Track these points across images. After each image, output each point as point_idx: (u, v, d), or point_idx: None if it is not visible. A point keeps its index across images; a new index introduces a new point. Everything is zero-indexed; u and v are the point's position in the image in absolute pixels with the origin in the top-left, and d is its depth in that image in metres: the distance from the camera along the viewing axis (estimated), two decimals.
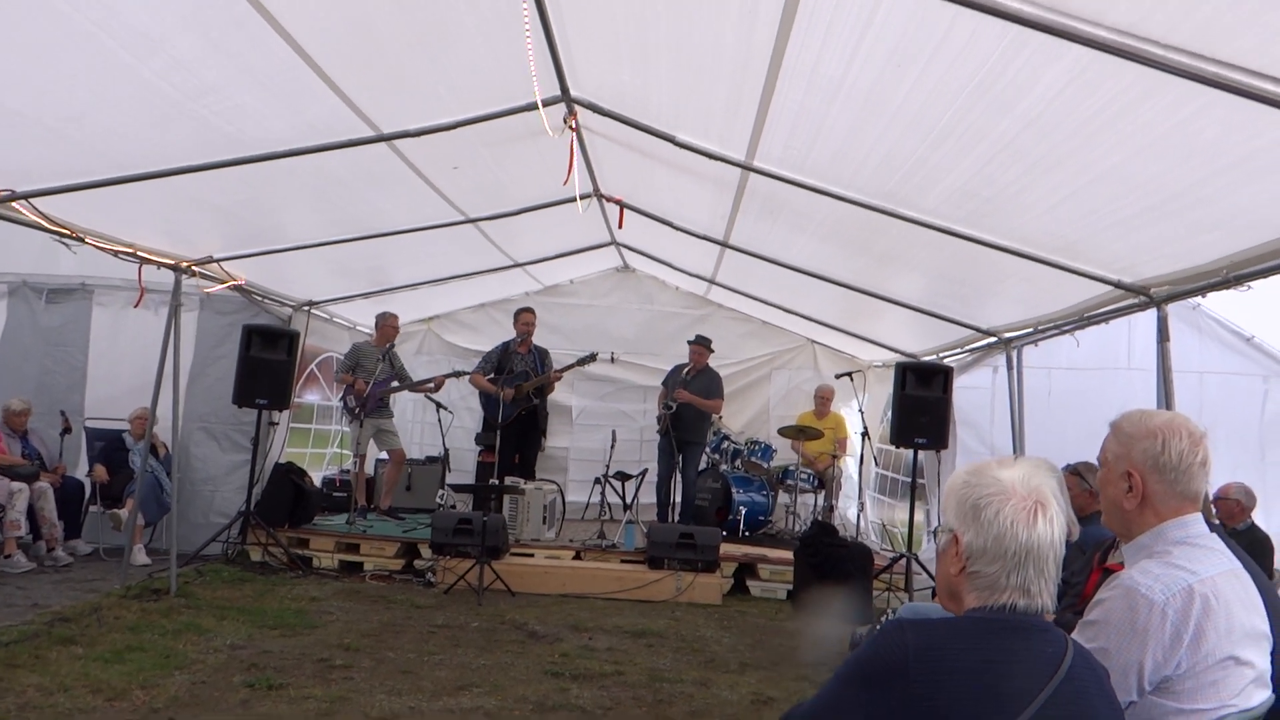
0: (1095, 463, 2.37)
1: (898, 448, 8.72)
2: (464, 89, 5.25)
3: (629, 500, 9.30)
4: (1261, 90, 2.86)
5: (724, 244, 8.06)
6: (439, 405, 9.38)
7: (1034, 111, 3.73)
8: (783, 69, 4.21)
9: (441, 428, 9.34)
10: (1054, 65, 3.30)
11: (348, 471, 10.01)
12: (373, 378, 9.11)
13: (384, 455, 9.81)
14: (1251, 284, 4.37)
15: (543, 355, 9.63)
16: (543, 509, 8.77)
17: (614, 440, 9.53)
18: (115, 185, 5.32)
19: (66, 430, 8.27)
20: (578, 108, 5.72)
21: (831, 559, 7.57)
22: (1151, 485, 2.12)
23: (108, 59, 4.03)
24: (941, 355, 8.76)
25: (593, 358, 9.41)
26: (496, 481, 8.49)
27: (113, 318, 8.79)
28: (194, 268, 7.13)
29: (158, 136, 4.97)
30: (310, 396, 10.96)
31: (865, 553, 7.78)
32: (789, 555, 8.19)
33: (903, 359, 9.05)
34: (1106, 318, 5.85)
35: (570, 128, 5.87)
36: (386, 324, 9.47)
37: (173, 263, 6.92)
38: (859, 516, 10.02)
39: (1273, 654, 2.07)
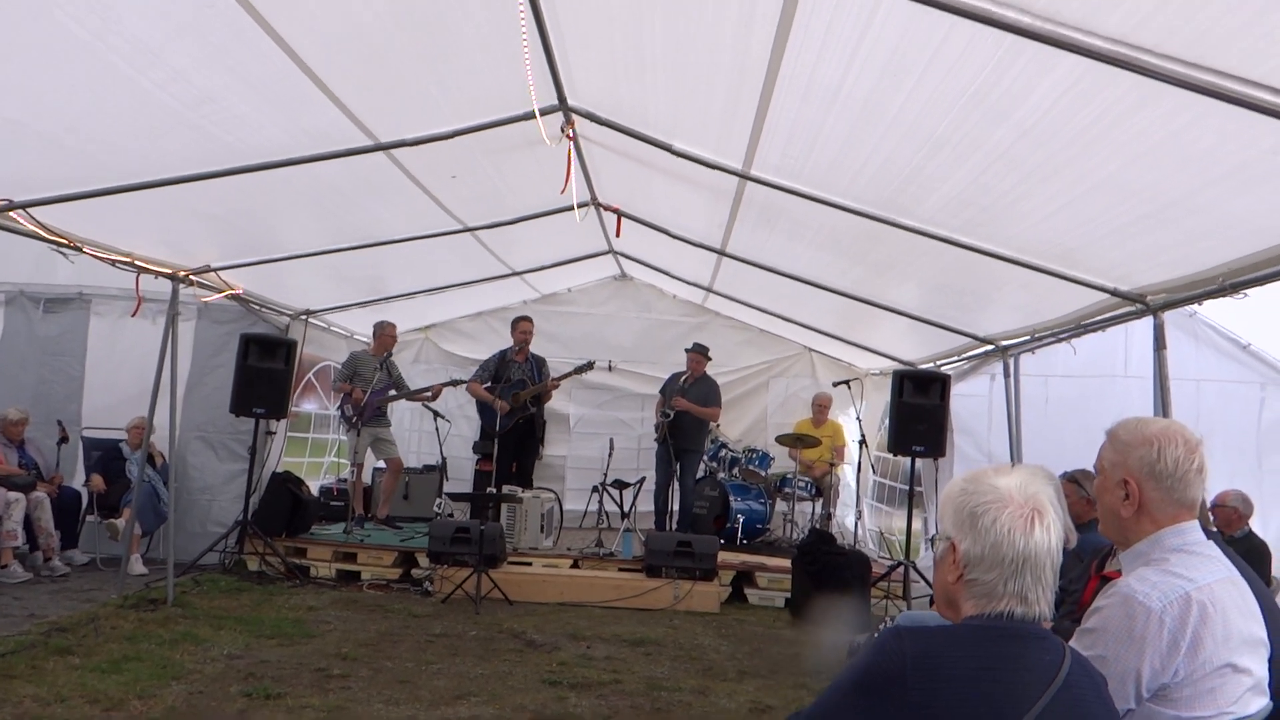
0: (1092, 470, 2.37)
1: (895, 455, 8.71)
2: (462, 98, 5.26)
3: (627, 508, 9.29)
4: (1255, 99, 2.87)
5: (721, 252, 8.07)
6: (436, 414, 9.38)
7: (1030, 120, 3.74)
8: (779, 78, 4.22)
9: (439, 436, 9.34)
10: (1049, 74, 3.32)
11: (345, 480, 10.00)
12: (370, 386, 9.10)
13: (381, 464, 9.80)
14: (1247, 292, 4.38)
15: (540, 363, 9.63)
16: (540, 517, 8.77)
17: (611, 448, 9.53)
18: (113, 195, 5.32)
19: (63, 440, 8.26)
20: (575, 117, 5.73)
21: (829, 567, 7.57)
22: (1148, 493, 2.13)
23: (106, 68, 4.04)
24: (939, 363, 8.77)
25: (590, 366, 9.42)
26: (494, 490, 8.48)
27: (110, 327, 8.78)
28: (191, 277, 7.13)
29: (155, 146, 4.98)
30: (308, 405, 10.96)
31: (863, 561, 7.78)
32: (787, 563, 8.20)
33: (900, 367, 9.07)
34: (1103, 325, 5.86)
35: (568, 137, 5.88)
36: (384, 333, 9.46)
37: (170, 272, 6.92)
38: (856, 524, 10.03)
39: (1270, 661, 2.07)
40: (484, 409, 9.47)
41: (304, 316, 9.20)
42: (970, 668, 1.60)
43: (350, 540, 8.53)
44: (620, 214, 7.85)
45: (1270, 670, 2.06)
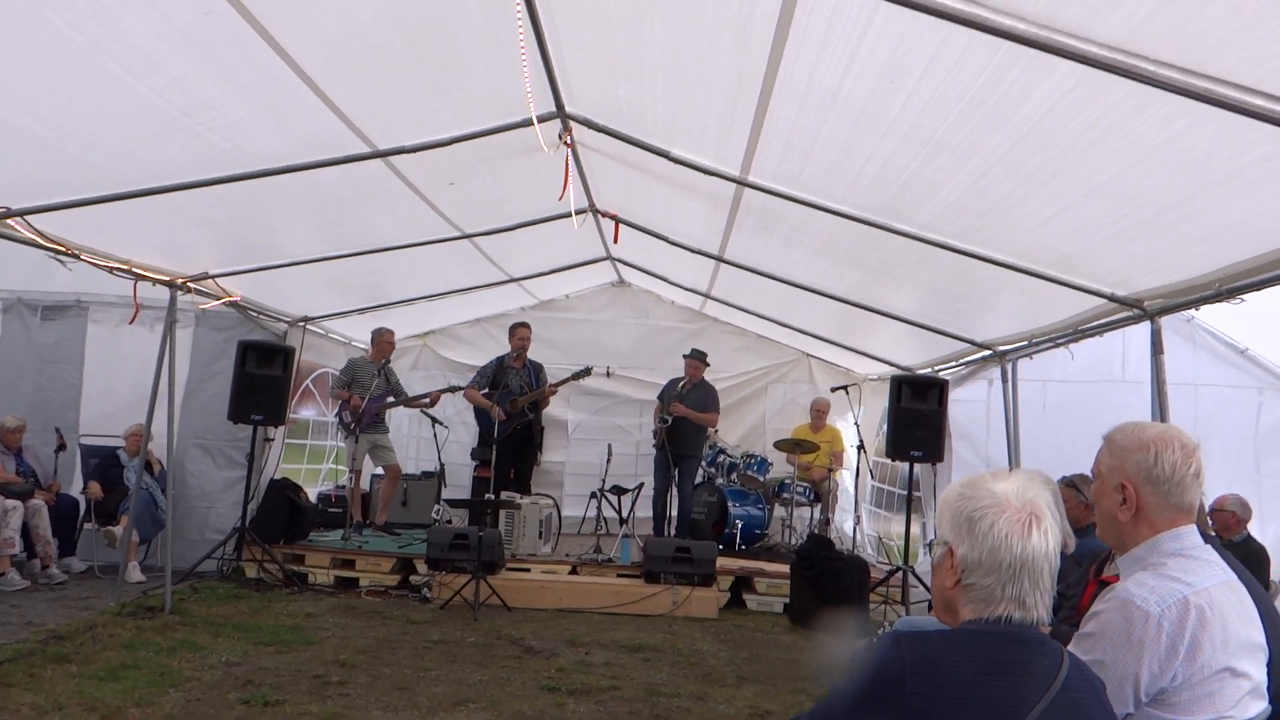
0: (1090, 475, 2.37)
1: (893, 461, 8.72)
2: (460, 105, 5.27)
3: (625, 514, 9.28)
4: (1251, 105, 2.88)
5: (719, 258, 8.08)
6: (434, 420, 9.37)
7: (1027, 126, 3.75)
8: (777, 84, 4.23)
9: (437, 443, 9.33)
10: (1046, 80, 3.33)
11: (343, 487, 9.99)
12: (368, 393, 9.10)
13: (380, 471, 9.79)
14: (1244, 297, 4.39)
15: (537, 370, 9.63)
16: (539, 523, 8.76)
17: (610, 454, 9.53)
18: (111, 202, 5.33)
19: (61, 447, 8.25)
20: (573, 124, 5.75)
21: (828, 572, 7.57)
22: (1145, 497, 2.13)
23: (104, 75, 4.05)
24: (937, 368, 8.78)
25: (587, 372, 9.42)
26: (492, 496, 8.47)
27: (108, 334, 8.79)
28: (189, 284, 7.13)
29: (153, 153, 4.99)
30: (306, 412, 10.95)
31: (862, 566, 7.79)
32: (785, 569, 8.19)
33: (898, 372, 9.07)
34: (1101, 330, 5.87)
35: (565, 143, 5.90)
36: (383, 339, 9.47)
37: (168, 279, 6.93)
38: (855, 529, 10.03)
39: (1269, 665, 2.07)
40: (482, 415, 9.46)
41: (302, 323, 9.20)
42: (968, 672, 1.61)
43: (348, 547, 8.52)
44: (618, 220, 7.87)
45: (1269, 674, 2.06)
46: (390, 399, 9.43)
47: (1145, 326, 5.26)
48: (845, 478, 10.83)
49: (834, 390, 10.19)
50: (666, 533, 9.29)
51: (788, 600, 8.03)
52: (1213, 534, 3.85)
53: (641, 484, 9.61)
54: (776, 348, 11.45)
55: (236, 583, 7.81)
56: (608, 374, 10.16)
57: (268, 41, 4.05)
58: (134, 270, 6.55)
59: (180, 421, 7.95)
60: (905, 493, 8.34)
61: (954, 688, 1.58)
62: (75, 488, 8.43)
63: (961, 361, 8.32)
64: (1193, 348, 8.61)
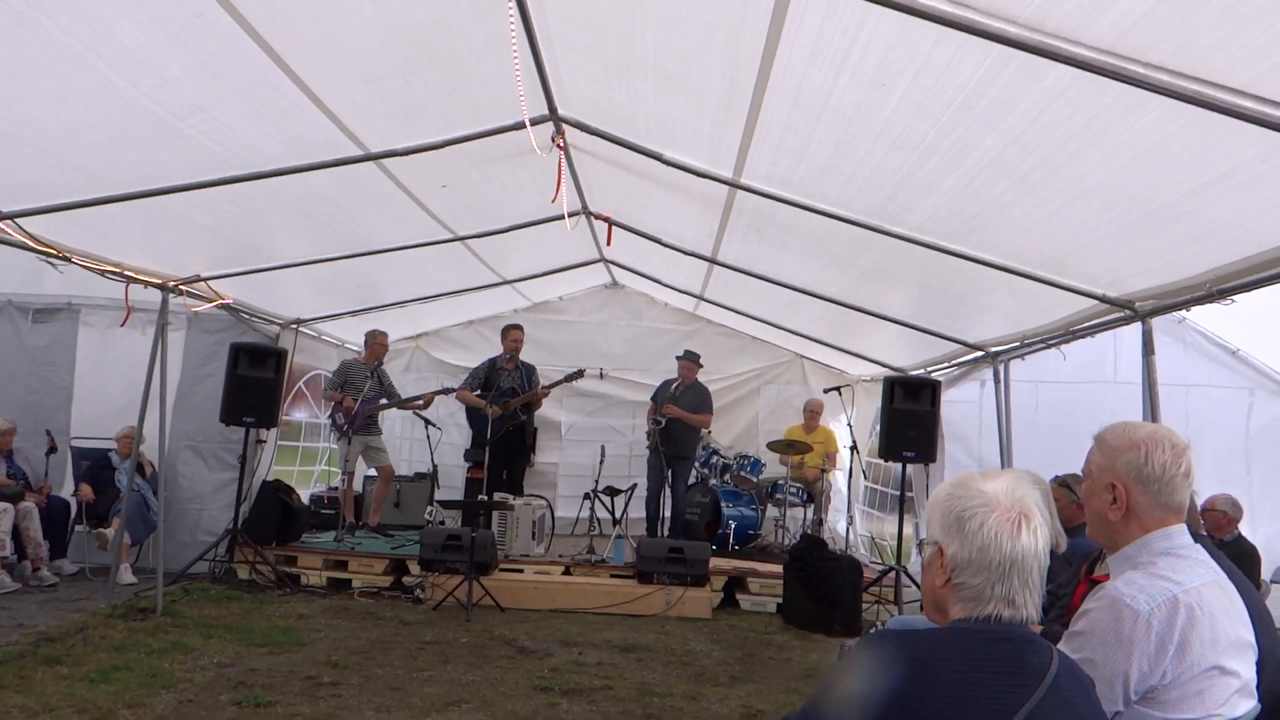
0: (1082, 475, 2.39)
1: (886, 461, 8.74)
2: (452, 108, 5.27)
3: (618, 515, 9.29)
4: (1241, 108, 2.90)
5: (712, 260, 8.09)
6: (427, 422, 9.37)
7: (1018, 129, 3.77)
8: (769, 87, 4.24)
9: (430, 444, 9.33)
10: (1037, 84, 3.34)
11: (336, 489, 9.98)
12: (361, 395, 9.09)
13: (373, 472, 9.78)
14: (1234, 298, 4.42)
15: (530, 371, 9.63)
16: (532, 524, 8.76)
17: (603, 455, 9.53)
18: (102, 205, 5.33)
19: (52, 450, 8.23)
20: (565, 126, 5.75)
21: (821, 572, 7.59)
22: (1135, 497, 2.15)
23: (95, 78, 4.04)
24: (929, 369, 8.80)
25: (580, 374, 9.42)
26: (485, 497, 8.47)
27: (99, 337, 8.76)
28: (181, 286, 7.12)
29: (145, 156, 4.98)
30: (298, 414, 10.93)
31: (855, 566, 7.80)
32: (778, 569, 8.20)
33: (891, 373, 9.09)
34: (1092, 331, 5.89)
35: (558, 146, 5.90)
36: (376, 342, 9.46)
37: (160, 282, 6.91)
38: (848, 530, 10.04)
39: (1258, 664, 2.09)
40: (475, 417, 9.46)
41: (294, 325, 9.19)
42: (958, 670, 1.61)
43: (341, 548, 8.51)
44: (611, 223, 7.87)
45: (1258, 673, 2.07)
46: (383, 401, 9.41)
47: (1136, 327, 5.28)
48: (838, 478, 10.85)
49: (827, 391, 10.20)
50: (660, 533, 9.29)
51: (781, 600, 8.03)
52: (1204, 533, 3.87)
53: (634, 485, 9.62)
54: (770, 349, 11.46)
55: (228, 584, 7.80)
56: (601, 376, 10.16)
57: (259, 44, 4.04)
58: (125, 273, 6.53)
59: (172, 424, 7.95)
60: (898, 493, 8.35)
61: (943, 686, 1.59)
62: (66, 490, 8.40)
63: (954, 362, 8.34)
64: (1184, 349, 8.65)
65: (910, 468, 8.35)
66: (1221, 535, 6.47)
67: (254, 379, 8.05)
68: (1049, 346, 6.57)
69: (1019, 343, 6.90)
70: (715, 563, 8.37)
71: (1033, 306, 6.00)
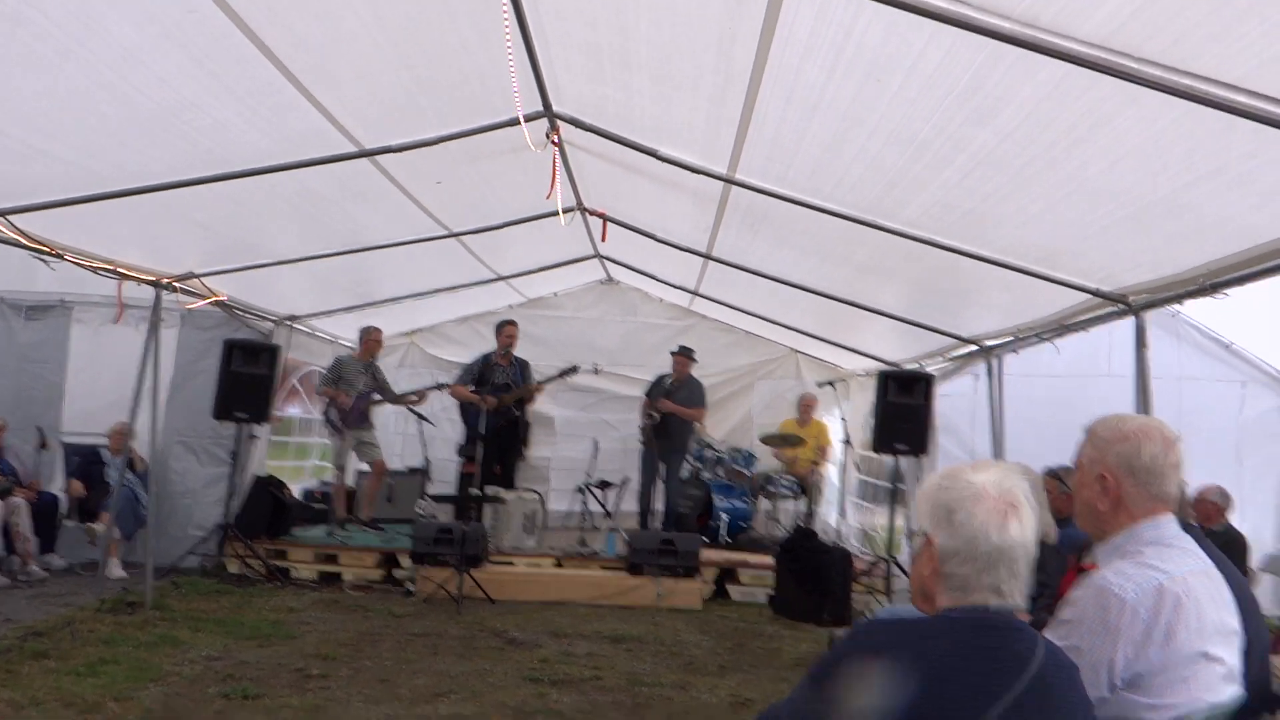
0: (1073, 466, 2.39)
1: (879, 454, 8.75)
2: (446, 104, 5.25)
3: (610, 508, 9.30)
4: (1233, 102, 2.90)
5: (707, 256, 8.08)
6: (420, 416, 9.35)
7: (1012, 124, 3.76)
8: (764, 82, 4.23)
9: (423, 439, 9.31)
10: (1031, 78, 3.34)
11: (328, 484, 9.96)
12: (355, 391, 9.07)
13: (365, 467, 9.76)
14: (1227, 292, 4.42)
15: (523, 367, 9.62)
16: (524, 518, 8.76)
17: (596, 449, 9.53)
18: (95, 202, 5.29)
19: (43, 446, 8.21)
20: (560, 122, 5.74)
21: (811, 563, 7.62)
22: (1125, 487, 2.16)
23: (88, 74, 4.02)
24: (923, 363, 8.80)
25: (574, 370, 9.42)
26: (478, 491, 8.46)
27: (92, 334, 8.73)
28: (174, 284, 7.10)
29: (138, 152, 4.96)
30: (292, 410, 10.91)
31: (845, 557, 7.82)
32: (769, 560, 8.22)
33: (885, 367, 9.09)
34: (1086, 325, 5.90)
35: (553, 142, 5.88)
36: (370, 338, 9.43)
37: (153, 279, 6.89)
38: (839, 522, 10.05)
39: (1244, 651, 2.10)
40: (467, 412, 9.44)
41: (288, 322, 9.16)
42: (944, 658, 1.63)
43: (332, 542, 8.50)
44: (606, 219, 7.86)
45: (1244, 659, 2.09)
46: (377, 397, 9.40)
47: (1130, 321, 5.28)
48: (830, 471, 10.87)
49: (821, 385, 10.22)
50: (651, 526, 9.29)
51: (771, 591, 8.05)
52: (1194, 523, 3.88)
53: (627, 479, 9.62)
54: (764, 344, 11.47)
55: (218, 578, 7.79)
56: (595, 371, 10.16)
57: (252, 41, 4.02)
58: (118, 270, 6.51)
59: (164, 420, 7.92)
60: (889, 485, 8.37)
61: (930, 674, 1.60)
62: (57, 485, 8.38)
63: (948, 357, 8.35)
64: (1177, 342, 8.68)
65: (903, 460, 8.36)
66: (1211, 525, 6.51)
67: (247, 375, 8.02)
68: (1043, 340, 6.58)
69: (1013, 336, 6.91)
70: (706, 554, 8.39)
71: (1026, 301, 6.01)
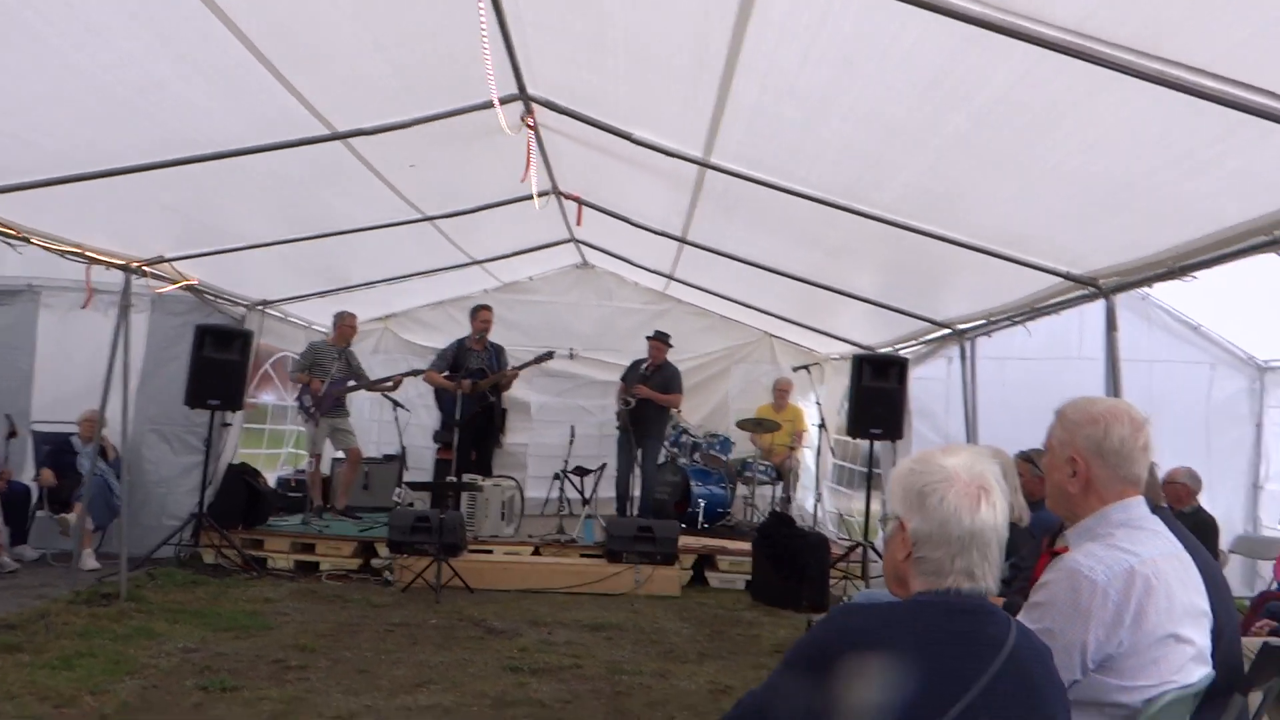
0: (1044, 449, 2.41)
1: (854, 439, 8.80)
2: (420, 87, 5.21)
3: (588, 495, 9.30)
4: (1202, 87, 2.92)
5: (682, 240, 8.08)
6: (396, 403, 9.31)
7: (985, 108, 3.78)
8: (738, 66, 4.22)
9: (399, 426, 9.27)
10: (1003, 63, 3.36)
11: (303, 471, 9.90)
12: (329, 377, 9.02)
13: (340, 454, 9.71)
14: (1196, 275, 4.47)
15: (498, 352, 9.59)
16: (501, 505, 8.76)
17: (573, 435, 9.53)
18: (61, 184, 5.21)
19: (12, 434, 8.09)
20: (535, 105, 5.71)
21: (789, 549, 7.65)
22: (1095, 470, 2.18)
23: (53, 53, 3.95)
24: (897, 347, 8.86)
25: (550, 355, 9.40)
26: (454, 479, 8.45)
27: (60, 319, 8.61)
28: (144, 268, 7.01)
29: (106, 134, 4.89)
30: (265, 397, 10.82)
31: (822, 542, 7.87)
32: (747, 546, 8.26)
33: (859, 351, 9.14)
34: (1057, 308, 5.96)
35: (528, 125, 5.85)
36: (344, 324, 9.37)
37: (122, 263, 6.80)
38: (816, 507, 10.11)
39: (1213, 632, 2.13)
40: (443, 398, 9.41)
41: (260, 307, 9.08)
42: (918, 642, 1.64)
43: (309, 531, 8.46)
44: (581, 202, 7.84)
45: (1213, 640, 2.12)
46: (351, 383, 9.34)
47: (1100, 304, 5.33)
48: (807, 456, 10.92)
49: (796, 370, 10.25)
50: (629, 513, 9.31)
51: (749, 577, 8.09)
52: (1164, 505, 3.93)
53: (604, 464, 9.63)
54: (739, 328, 11.49)
55: (194, 569, 7.73)
56: (571, 356, 10.15)
57: (222, 20, 3.97)
58: (87, 254, 6.42)
59: (136, 407, 7.84)
60: (866, 470, 8.42)
61: (904, 658, 1.61)
62: (27, 475, 8.26)
63: (922, 340, 8.40)
64: (1148, 324, 8.77)
65: (878, 445, 8.42)
66: (1181, 507, 6.57)
67: (219, 361, 7.95)
68: (1015, 323, 6.64)
69: (985, 320, 6.96)
70: (685, 541, 8.41)
71: (999, 284, 6.05)
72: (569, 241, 10.07)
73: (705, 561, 8.48)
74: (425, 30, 4.52)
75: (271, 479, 9.84)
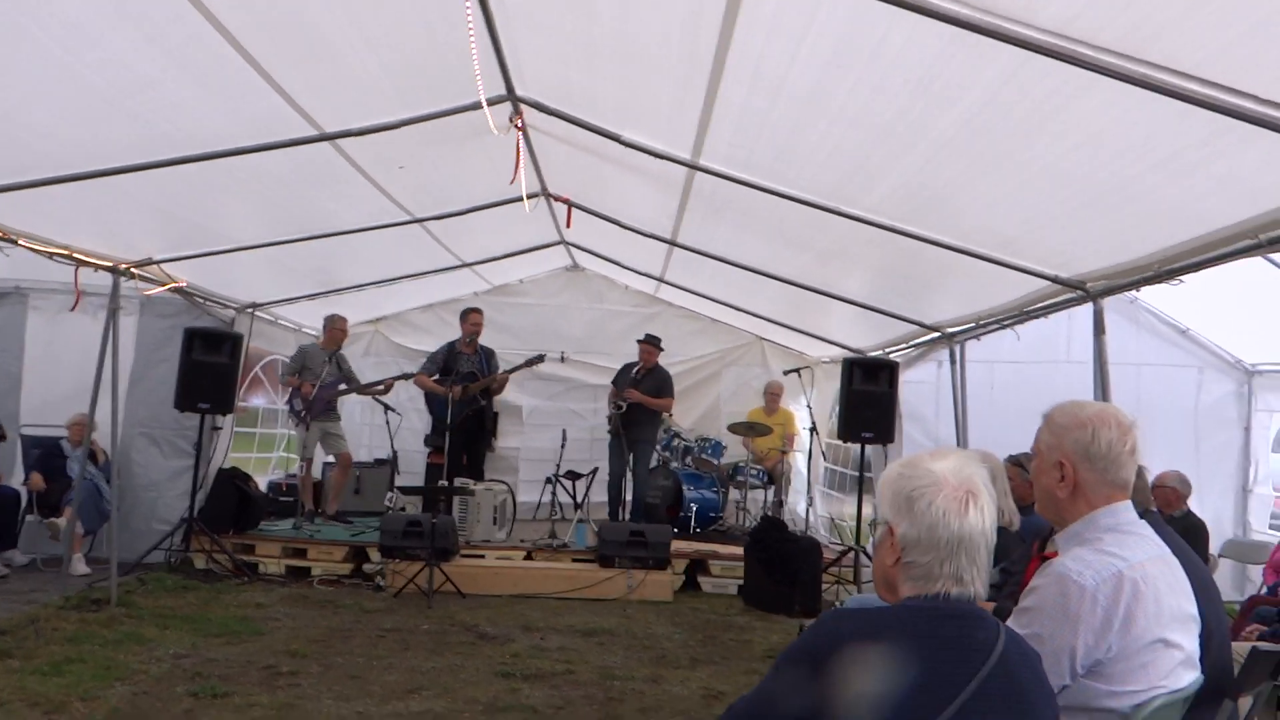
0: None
1: (845, 442, 8.80)
2: (408, 88, 5.21)
3: (580, 499, 9.29)
4: (1187, 90, 2.93)
5: (672, 242, 8.08)
6: (387, 407, 9.29)
7: (971, 111, 3.79)
8: (726, 68, 4.23)
9: (390, 430, 9.25)
10: (990, 66, 3.37)
11: (294, 476, 9.87)
12: (320, 380, 8.99)
13: (331, 459, 9.68)
14: (1183, 278, 4.49)
15: (489, 355, 9.57)
16: (493, 510, 8.74)
17: (564, 439, 9.52)
18: (49, 185, 5.19)
19: (1, 438, 8.05)
20: (524, 106, 5.70)
21: (781, 554, 7.65)
22: (1083, 474, 2.18)
23: (40, 53, 3.94)
24: (888, 350, 8.87)
25: (540, 359, 9.39)
26: (446, 483, 8.43)
27: (49, 322, 8.57)
28: (133, 270, 6.98)
29: (93, 134, 4.87)
30: (255, 400, 10.78)
31: (814, 547, 7.87)
32: (739, 551, 8.25)
33: (850, 355, 9.15)
34: (1045, 312, 5.98)
35: (516, 127, 5.85)
36: (335, 327, 9.34)
37: (111, 265, 6.77)
38: (808, 511, 10.12)
39: (1202, 636, 2.13)
40: (434, 402, 9.39)
41: (250, 310, 9.06)
42: (907, 647, 1.64)
43: (300, 536, 8.43)
44: (571, 204, 7.83)
45: (1202, 645, 2.12)
46: (342, 386, 9.32)
47: (1088, 308, 5.35)
48: (798, 460, 10.92)
49: (787, 373, 10.26)
50: (621, 517, 9.31)
51: (742, 582, 8.09)
52: (1154, 509, 3.94)
53: (596, 469, 9.62)
54: (730, 331, 11.50)
55: (185, 574, 7.69)
56: (562, 359, 10.14)
57: (210, 21, 3.96)
58: (75, 256, 6.39)
59: (125, 410, 7.80)
60: (857, 474, 8.43)
61: (893, 663, 1.61)
62: (16, 479, 8.22)
63: (912, 343, 8.42)
64: (1136, 328, 8.80)
65: (869, 448, 8.43)
66: (1171, 511, 6.59)
67: (209, 364, 7.93)
68: (1003, 327, 6.66)
69: (974, 323, 6.98)
70: (677, 545, 8.41)
71: (987, 288, 6.07)
72: (559, 244, 10.06)
73: (697, 566, 8.48)
74: (413, 31, 4.52)
75: (262, 483, 9.79)
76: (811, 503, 10.21)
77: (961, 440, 7.54)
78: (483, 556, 8.26)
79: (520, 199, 7.07)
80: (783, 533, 8.05)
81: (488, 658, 5.80)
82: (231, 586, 7.49)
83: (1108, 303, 5.30)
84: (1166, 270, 4.46)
